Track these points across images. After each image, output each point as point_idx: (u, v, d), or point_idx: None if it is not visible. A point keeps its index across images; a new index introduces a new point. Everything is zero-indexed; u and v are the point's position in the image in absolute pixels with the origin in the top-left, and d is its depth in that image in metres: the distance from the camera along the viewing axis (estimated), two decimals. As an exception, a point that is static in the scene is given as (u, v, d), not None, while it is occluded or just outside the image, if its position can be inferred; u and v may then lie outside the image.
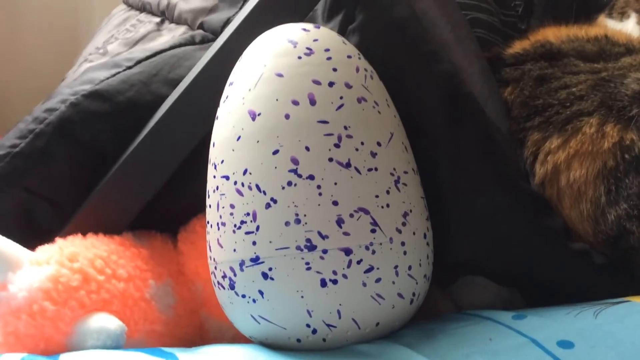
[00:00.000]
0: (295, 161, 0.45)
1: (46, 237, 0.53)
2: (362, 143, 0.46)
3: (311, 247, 0.44)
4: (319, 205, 0.44)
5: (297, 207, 0.44)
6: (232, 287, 0.46)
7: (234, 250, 0.46)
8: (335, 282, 0.44)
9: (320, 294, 0.44)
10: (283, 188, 0.45)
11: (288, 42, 0.48)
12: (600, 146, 0.53)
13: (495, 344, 0.44)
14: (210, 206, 0.49)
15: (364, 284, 0.44)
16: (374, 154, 0.46)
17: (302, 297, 0.44)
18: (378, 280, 0.45)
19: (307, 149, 0.45)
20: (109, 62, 0.62)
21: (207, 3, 0.68)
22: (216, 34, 0.64)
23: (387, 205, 0.46)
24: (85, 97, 0.57)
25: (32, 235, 0.53)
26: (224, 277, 0.47)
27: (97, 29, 0.83)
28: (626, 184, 0.51)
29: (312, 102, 0.46)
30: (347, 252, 0.44)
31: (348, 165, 0.45)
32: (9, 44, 1.18)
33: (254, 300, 0.45)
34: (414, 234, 0.47)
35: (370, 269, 0.45)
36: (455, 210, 0.53)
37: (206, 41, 0.65)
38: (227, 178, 0.47)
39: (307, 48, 0.47)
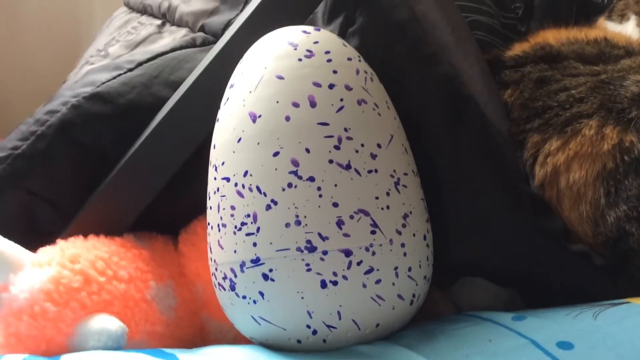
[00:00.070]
0: (295, 163, 0.45)
1: (47, 238, 0.54)
2: (362, 145, 0.46)
3: (311, 249, 0.44)
4: (319, 206, 0.44)
5: (297, 208, 0.44)
6: (232, 288, 0.47)
7: (235, 251, 0.46)
8: (335, 283, 0.44)
9: (320, 295, 0.44)
10: (283, 190, 0.45)
11: (288, 45, 0.48)
12: (600, 148, 0.53)
13: (495, 345, 0.44)
14: (211, 208, 0.49)
15: (364, 285, 0.45)
16: (374, 156, 0.46)
17: (302, 298, 0.44)
18: (378, 281, 0.45)
19: (308, 150, 0.45)
20: (110, 65, 0.62)
21: (208, 5, 0.68)
22: (217, 36, 0.64)
23: (387, 207, 0.46)
24: (87, 99, 0.57)
25: (34, 237, 0.54)
26: (224, 278, 0.47)
27: (98, 32, 0.84)
28: (625, 185, 0.51)
29: (313, 104, 0.46)
30: (347, 253, 0.44)
31: (348, 167, 0.45)
32: (10, 46, 1.18)
33: (254, 302, 0.46)
34: (414, 235, 0.47)
35: (370, 270, 0.45)
36: (455, 211, 0.54)
37: (207, 43, 0.65)
38: (228, 180, 0.47)
39: (308, 50, 0.48)
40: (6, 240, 0.49)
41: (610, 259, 0.53)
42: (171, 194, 0.57)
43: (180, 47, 0.64)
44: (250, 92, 0.47)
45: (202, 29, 0.67)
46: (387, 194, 0.46)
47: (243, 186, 0.46)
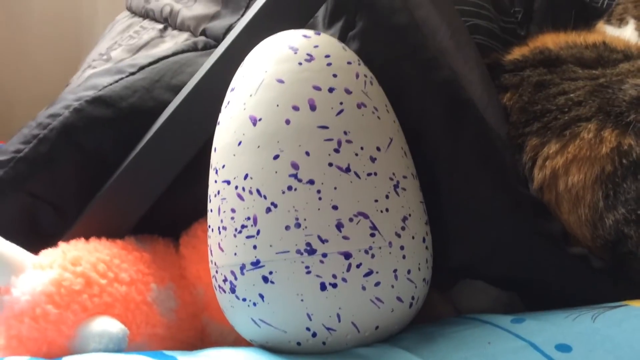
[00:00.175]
0: (295, 166, 0.45)
1: (49, 241, 0.54)
2: (362, 148, 0.46)
3: (311, 251, 0.44)
4: (318, 209, 0.45)
5: (297, 211, 0.45)
6: (232, 290, 0.47)
7: (235, 254, 0.46)
8: (334, 285, 0.44)
9: (320, 298, 0.45)
10: (283, 192, 0.45)
11: (289, 49, 0.48)
12: (599, 151, 0.53)
13: (494, 347, 0.44)
14: (211, 210, 0.49)
15: (364, 288, 0.45)
16: (373, 159, 0.46)
17: (302, 300, 0.45)
18: (377, 284, 0.45)
19: (307, 154, 0.45)
20: (112, 69, 0.62)
21: (210, 10, 0.69)
22: (218, 40, 0.65)
23: (387, 210, 0.46)
24: (89, 102, 0.58)
25: (36, 239, 0.54)
26: (224, 280, 0.48)
27: (100, 36, 0.84)
28: (624, 188, 0.52)
29: (313, 107, 0.46)
30: (347, 256, 0.45)
31: (348, 170, 0.45)
32: (13, 49, 1.19)
33: (254, 304, 0.46)
34: (413, 238, 0.47)
35: (369, 273, 0.45)
36: (454, 214, 0.54)
37: (208, 48, 0.65)
38: (228, 183, 0.47)
39: (308, 54, 0.48)
40: (8, 242, 0.50)
41: (609, 261, 0.53)
42: (172, 196, 0.58)
43: (182, 51, 0.64)
44: (251, 95, 0.48)
45: (203, 33, 0.67)
46: (387, 196, 0.46)
47: (243, 189, 0.46)
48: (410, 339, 0.48)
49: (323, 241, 0.44)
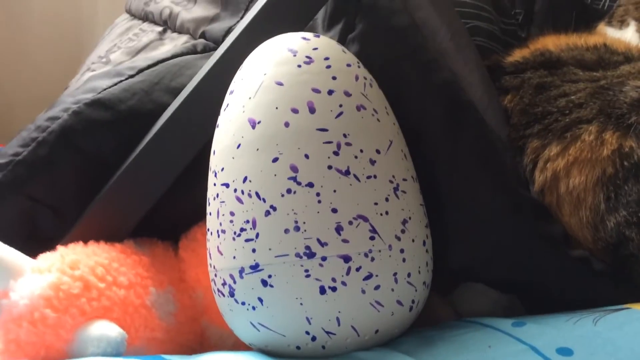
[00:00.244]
0: (294, 169, 0.45)
1: (48, 244, 0.54)
2: (361, 151, 0.46)
3: (310, 255, 0.44)
4: (318, 212, 0.44)
5: (296, 214, 0.44)
6: (231, 294, 0.47)
7: (234, 257, 0.46)
8: (334, 289, 0.44)
9: (319, 301, 0.44)
10: (282, 195, 0.45)
11: (288, 51, 0.48)
12: (600, 153, 0.53)
13: (494, 351, 0.44)
14: (210, 214, 0.49)
15: (363, 291, 0.45)
16: (373, 162, 0.46)
17: (301, 304, 0.44)
18: (377, 287, 0.45)
19: (307, 156, 0.45)
20: (112, 71, 0.62)
21: (209, 12, 0.69)
22: (218, 43, 0.65)
23: (386, 213, 0.46)
24: (88, 105, 0.58)
25: (35, 243, 0.54)
26: (223, 284, 0.47)
27: (100, 38, 0.84)
28: (625, 191, 0.51)
29: (312, 110, 0.46)
30: (346, 259, 0.44)
31: (347, 172, 0.45)
32: (12, 52, 1.19)
33: (253, 308, 0.46)
34: (413, 241, 0.47)
35: (369, 276, 0.45)
36: (454, 217, 0.54)
37: (208, 50, 0.65)
38: (227, 186, 0.47)
39: (307, 57, 0.48)
40: (6, 246, 0.49)
41: (611, 264, 0.53)
42: (172, 199, 0.58)
43: (181, 54, 0.64)
44: (250, 98, 0.47)
45: (203, 35, 0.67)
46: (386, 199, 0.46)
47: (242, 192, 0.46)
48: (411, 342, 0.48)
49: (322, 244, 0.44)
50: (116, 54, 0.71)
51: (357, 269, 0.44)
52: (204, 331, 0.56)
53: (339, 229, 0.44)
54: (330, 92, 0.47)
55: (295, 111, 0.46)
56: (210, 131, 0.51)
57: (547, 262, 0.53)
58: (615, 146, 0.52)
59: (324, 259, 0.44)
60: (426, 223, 0.50)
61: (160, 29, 0.72)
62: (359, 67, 0.50)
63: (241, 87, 0.49)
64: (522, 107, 0.59)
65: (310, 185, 0.45)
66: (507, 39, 0.76)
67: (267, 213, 0.45)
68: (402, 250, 0.46)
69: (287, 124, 0.46)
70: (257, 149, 0.46)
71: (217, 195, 0.48)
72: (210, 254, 0.49)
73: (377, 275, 0.45)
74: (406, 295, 0.47)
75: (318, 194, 0.45)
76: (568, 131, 0.55)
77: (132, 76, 0.60)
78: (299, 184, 0.45)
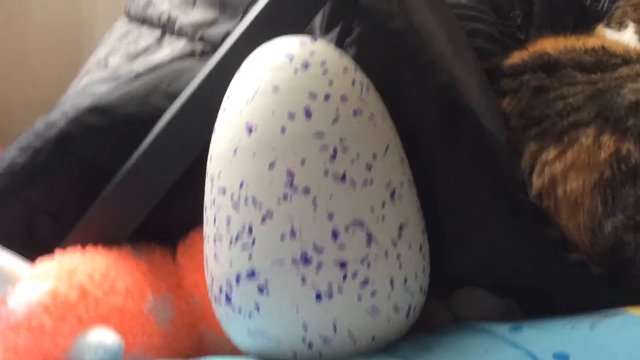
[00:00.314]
0: (291, 174, 0.45)
1: (46, 249, 0.54)
2: (358, 155, 0.46)
3: (306, 261, 0.44)
4: (314, 218, 0.44)
5: (292, 220, 0.44)
6: (228, 301, 0.47)
7: (230, 264, 0.46)
8: (330, 295, 0.44)
9: (315, 308, 0.44)
10: (279, 201, 0.45)
11: (284, 56, 0.48)
12: (597, 157, 0.53)
13: (491, 356, 0.44)
14: (207, 219, 0.49)
15: (359, 298, 0.45)
16: (369, 167, 0.46)
17: (297, 311, 0.44)
18: (373, 293, 0.45)
19: (303, 161, 0.45)
20: (110, 76, 0.62)
21: (207, 16, 0.68)
22: (216, 46, 0.64)
23: (383, 218, 0.46)
24: (85, 111, 0.58)
25: (33, 248, 0.54)
26: (220, 291, 0.47)
27: (99, 41, 0.84)
28: (623, 194, 0.51)
29: (308, 115, 0.46)
30: (343, 265, 0.44)
31: (343, 178, 0.45)
32: (13, 56, 1.19)
33: (249, 314, 0.46)
34: (409, 246, 0.47)
35: (365, 282, 0.45)
36: (452, 221, 0.54)
37: (206, 54, 0.65)
38: (224, 191, 0.47)
39: (304, 61, 0.48)
40: (5, 253, 0.50)
41: (608, 268, 0.53)
42: (170, 205, 0.58)
43: (180, 58, 0.64)
44: (247, 103, 0.47)
45: (201, 39, 0.67)
46: (383, 204, 0.46)
47: (239, 198, 0.46)
48: (408, 348, 0.48)
49: (319, 250, 0.44)
50: (115, 58, 0.71)
51: (354, 275, 0.44)
52: (202, 337, 0.56)
53: (335, 235, 0.44)
54: (326, 97, 0.47)
55: (291, 116, 0.46)
56: (208, 136, 0.51)
57: (545, 266, 0.53)
58: (612, 149, 0.52)
59: (320, 265, 0.44)
60: (423, 228, 0.50)
61: (158, 32, 0.72)
62: (355, 71, 0.50)
63: (238, 92, 0.49)
64: (520, 110, 0.59)
65: (307, 190, 0.45)
66: (506, 40, 0.76)
67: (264, 219, 0.45)
68: (398, 256, 0.46)
69: (283, 129, 0.46)
70: (254, 154, 0.46)
71: (214, 201, 0.48)
72: (207, 260, 0.49)
73: (373, 281, 0.45)
74: (403, 301, 0.47)
75: (314, 200, 0.45)
76: (566, 134, 0.55)
77: (130, 81, 0.60)
78: (295, 189, 0.45)
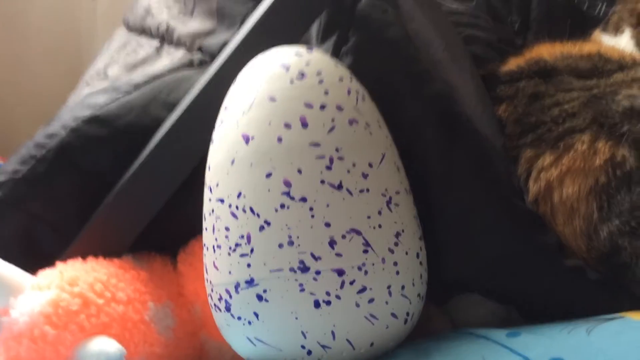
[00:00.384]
0: (287, 184, 0.45)
1: (48, 260, 0.54)
2: (354, 164, 0.46)
3: (304, 269, 0.45)
4: (311, 227, 0.45)
5: (290, 229, 0.45)
6: (228, 309, 0.47)
7: (229, 272, 0.47)
8: (328, 303, 0.45)
9: (314, 315, 0.45)
10: (276, 210, 0.45)
11: (280, 67, 0.49)
12: (592, 163, 0.53)
13: (488, 362, 0.44)
14: (206, 229, 0.49)
15: (357, 305, 0.45)
16: (365, 175, 0.47)
17: (296, 318, 0.45)
18: (371, 300, 0.45)
19: (300, 171, 0.46)
20: (109, 87, 0.63)
21: (205, 26, 0.69)
22: (214, 56, 0.65)
23: (379, 226, 0.46)
24: (85, 122, 0.58)
25: (34, 259, 0.54)
26: (220, 299, 0.48)
27: (98, 52, 0.85)
28: (618, 200, 0.52)
29: (304, 125, 0.47)
30: (340, 273, 0.45)
31: (340, 186, 0.46)
32: (13, 68, 1.20)
33: (249, 322, 0.46)
34: (406, 253, 0.47)
35: (363, 290, 0.45)
36: (448, 228, 0.54)
37: (204, 64, 0.66)
38: (222, 201, 0.47)
39: (299, 72, 0.48)
40: (6, 263, 0.50)
41: (605, 273, 0.53)
42: (169, 214, 0.58)
43: (178, 68, 0.65)
44: (243, 113, 0.48)
45: (199, 49, 0.68)
46: (379, 212, 0.47)
47: (237, 207, 0.46)
48: (406, 355, 0.48)
49: (316, 259, 0.45)
50: (114, 69, 0.72)
51: (351, 283, 0.45)
52: (203, 345, 0.56)
53: (332, 243, 0.45)
54: (322, 107, 0.47)
55: (288, 126, 0.46)
56: (206, 146, 0.52)
57: (542, 272, 0.53)
58: (608, 155, 0.53)
59: (318, 273, 0.45)
60: (420, 235, 0.50)
61: (157, 43, 0.73)
62: (351, 80, 0.50)
63: (234, 103, 0.49)
64: (516, 116, 0.60)
65: (304, 199, 0.45)
66: (503, 46, 0.77)
67: (262, 228, 0.45)
68: (395, 263, 0.46)
69: (280, 139, 0.46)
70: (251, 164, 0.46)
71: (213, 211, 0.48)
72: (206, 269, 0.50)
73: (371, 289, 0.45)
74: (400, 308, 0.47)
75: (311, 209, 0.45)
76: (561, 140, 0.55)
77: (129, 92, 0.61)
78: (292, 198, 0.45)
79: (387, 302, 0.46)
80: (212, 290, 0.49)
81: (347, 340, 0.46)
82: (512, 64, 0.67)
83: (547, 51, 0.66)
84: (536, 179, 0.55)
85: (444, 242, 0.54)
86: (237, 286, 0.46)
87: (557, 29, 0.78)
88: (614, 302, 0.51)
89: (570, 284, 0.53)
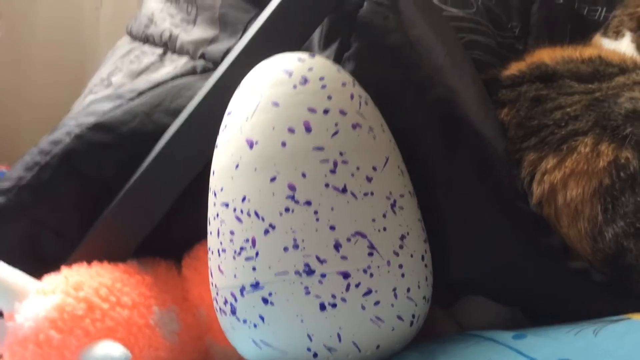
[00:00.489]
0: (292, 188, 0.46)
1: (52, 266, 0.54)
2: (358, 168, 0.47)
3: (310, 272, 0.45)
4: (316, 230, 0.45)
5: (295, 232, 0.45)
6: (233, 312, 0.47)
7: (235, 276, 0.47)
8: (334, 305, 0.45)
9: (319, 318, 0.45)
10: (281, 214, 0.45)
11: (283, 72, 0.49)
12: (596, 165, 0.53)
13: (495, 364, 0.44)
14: (211, 233, 0.50)
15: (363, 307, 0.45)
16: (369, 179, 0.47)
17: (302, 321, 0.45)
18: (377, 303, 0.45)
19: (304, 175, 0.46)
20: (113, 94, 0.63)
21: (208, 34, 0.69)
22: (217, 63, 0.65)
23: (384, 229, 0.46)
24: (90, 129, 0.59)
25: (39, 265, 0.54)
26: (225, 302, 0.48)
27: (102, 61, 0.85)
28: (622, 202, 0.52)
29: (308, 129, 0.47)
30: (345, 275, 0.45)
31: (344, 190, 0.46)
32: (17, 76, 1.20)
33: (255, 325, 0.46)
34: (411, 256, 0.48)
35: (368, 292, 0.45)
36: (452, 231, 0.54)
37: (207, 71, 0.66)
38: (227, 205, 0.48)
39: (302, 77, 0.49)
40: (11, 268, 0.50)
41: (610, 275, 0.53)
42: (174, 219, 0.58)
43: (181, 75, 0.65)
44: (247, 119, 0.48)
45: (202, 56, 0.68)
46: (384, 215, 0.47)
47: (241, 211, 0.47)
48: (412, 357, 0.48)
49: (321, 261, 0.45)
50: (117, 77, 0.72)
51: (357, 285, 0.45)
52: (208, 349, 0.56)
53: (337, 246, 0.45)
54: (325, 112, 0.47)
55: (291, 131, 0.47)
56: (210, 152, 0.52)
57: (547, 274, 0.53)
58: (611, 157, 0.53)
59: (323, 275, 0.45)
60: (425, 238, 0.50)
61: (160, 51, 0.73)
62: (354, 85, 0.51)
63: (238, 109, 0.49)
64: (518, 120, 0.60)
65: (308, 203, 0.45)
66: (504, 52, 0.77)
67: (266, 232, 0.46)
68: (400, 266, 0.46)
69: (283, 144, 0.46)
70: (255, 169, 0.47)
71: (217, 215, 0.49)
72: (211, 273, 0.50)
73: (376, 291, 0.45)
74: (406, 310, 0.47)
75: (316, 212, 0.45)
76: (564, 143, 0.55)
77: (133, 99, 0.61)
78: (296, 202, 0.45)
79: (392, 305, 0.46)
80: (217, 294, 0.49)
81: (353, 342, 0.46)
82: (514, 68, 0.68)
83: (548, 56, 0.67)
84: (540, 182, 0.55)
85: (447, 245, 0.54)
86: (242, 289, 0.46)
87: (558, 34, 0.78)
88: (620, 303, 0.51)
89: (575, 286, 0.53)
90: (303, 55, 0.51)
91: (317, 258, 0.45)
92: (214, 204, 0.49)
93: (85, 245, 0.57)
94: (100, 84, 0.73)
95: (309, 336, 0.45)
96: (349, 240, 0.45)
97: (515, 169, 0.57)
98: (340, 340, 0.45)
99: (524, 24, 0.81)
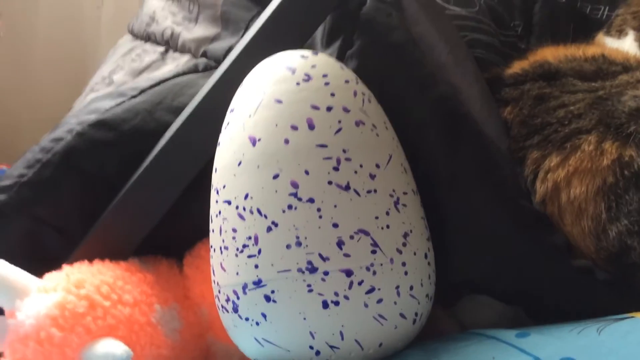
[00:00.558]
0: (295, 185, 0.45)
1: (54, 263, 0.54)
2: (361, 165, 0.46)
3: (312, 269, 0.44)
4: (319, 227, 0.45)
5: (297, 230, 0.45)
6: (235, 310, 0.47)
7: (237, 273, 0.46)
8: (337, 303, 0.44)
9: (322, 316, 0.45)
10: (284, 211, 0.45)
11: (286, 69, 0.49)
12: (600, 163, 0.53)
13: (498, 362, 0.44)
14: (213, 230, 0.49)
15: (366, 305, 0.45)
16: (372, 176, 0.47)
17: (304, 319, 0.45)
18: (380, 300, 0.45)
19: (307, 172, 0.46)
20: (114, 92, 0.63)
21: (210, 32, 0.69)
22: (219, 61, 0.65)
23: (387, 226, 0.46)
24: (91, 126, 0.59)
25: (40, 263, 0.54)
26: (227, 300, 0.48)
27: (103, 59, 0.85)
28: (626, 200, 0.51)
29: (311, 126, 0.47)
30: (348, 273, 0.45)
31: (347, 187, 0.46)
32: (18, 75, 1.21)
33: (257, 323, 0.46)
34: (414, 254, 0.47)
35: (371, 290, 0.45)
36: (455, 229, 0.54)
37: (209, 69, 0.66)
38: (229, 203, 0.47)
39: (305, 74, 0.48)
40: (12, 266, 0.50)
41: (614, 273, 0.53)
42: (175, 217, 0.58)
43: (183, 73, 0.65)
44: (250, 116, 0.48)
45: (204, 54, 0.68)
46: (387, 213, 0.46)
47: (244, 209, 0.46)
48: (415, 355, 0.48)
49: (324, 259, 0.45)
50: (119, 75, 0.72)
51: (360, 283, 0.45)
52: (210, 347, 0.56)
53: (340, 244, 0.45)
54: (329, 109, 0.47)
55: (294, 128, 0.46)
56: (212, 149, 0.52)
57: (550, 273, 0.53)
58: (615, 155, 0.53)
59: (326, 273, 0.44)
60: (428, 236, 0.50)
61: (162, 49, 0.73)
62: (357, 83, 0.50)
63: (241, 106, 0.49)
64: (521, 118, 0.60)
65: (311, 200, 0.45)
66: (507, 50, 0.77)
67: (269, 229, 0.45)
68: (403, 264, 0.46)
69: (286, 141, 0.46)
70: (258, 166, 0.46)
71: (220, 212, 0.48)
72: (213, 271, 0.50)
73: (379, 289, 0.45)
74: (409, 308, 0.47)
75: (319, 209, 0.45)
76: (567, 141, 0.55)
77: (134, 96, 0.61)
78: (299, 199, 0.45)
79: (395, 303, 0.46)
80: (219, 292, 0.49)
81: (356, 340, 0.45)
82: (517, 67, 0.68)
83: (551, 54, 0.66)
84: (543, 180, 0.55)
85: (450, 244, 0.54)
86: (244, 287, 0.46)
87: (560, 33, 0.78)
88: (623, 302, 0.51)
89: (578, 285, 0.53)
90: (306, 52, 0.50)
91: (320, 256, 0.45)
92: (216, 202, 0.49)
93: (87, 243, 0.57)
94: (102, 82, 0.73)
95: (311, 334, 0.45)
96: (352, 237, 0.45)
97: (519, 167, 0.57)
98: (342, 338, 0.45)
99: (526, 23, 0.81)
